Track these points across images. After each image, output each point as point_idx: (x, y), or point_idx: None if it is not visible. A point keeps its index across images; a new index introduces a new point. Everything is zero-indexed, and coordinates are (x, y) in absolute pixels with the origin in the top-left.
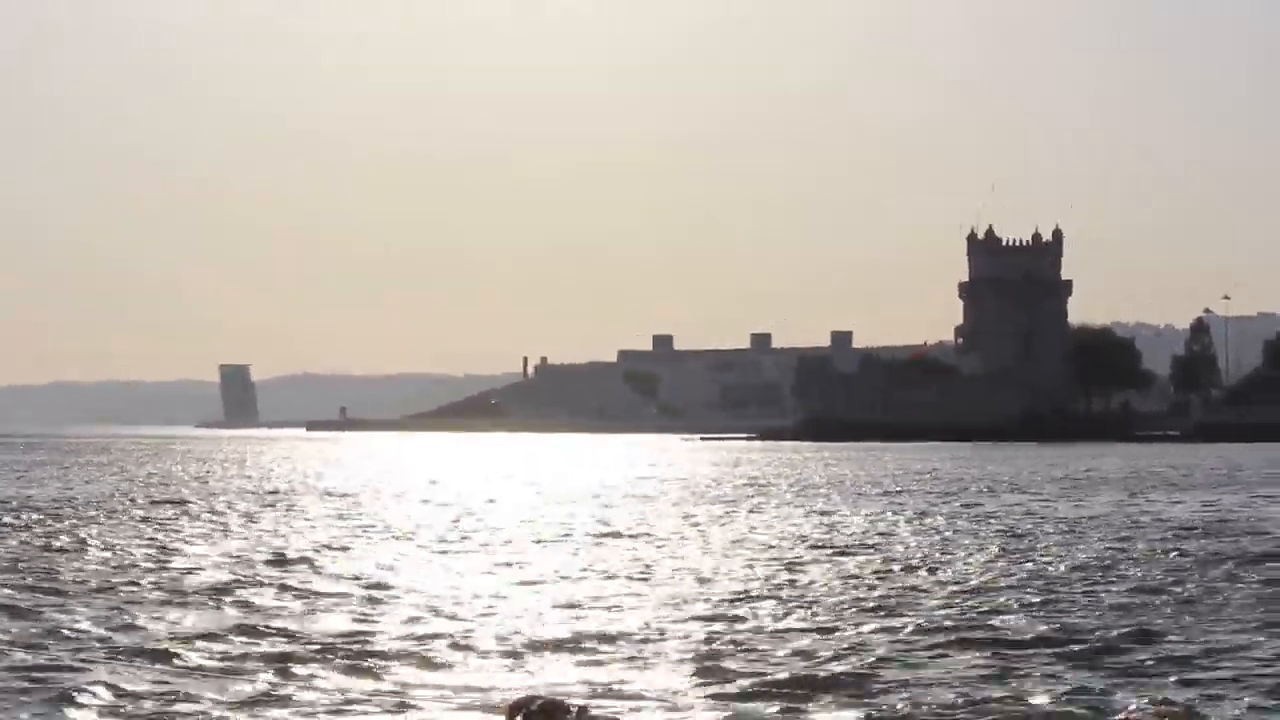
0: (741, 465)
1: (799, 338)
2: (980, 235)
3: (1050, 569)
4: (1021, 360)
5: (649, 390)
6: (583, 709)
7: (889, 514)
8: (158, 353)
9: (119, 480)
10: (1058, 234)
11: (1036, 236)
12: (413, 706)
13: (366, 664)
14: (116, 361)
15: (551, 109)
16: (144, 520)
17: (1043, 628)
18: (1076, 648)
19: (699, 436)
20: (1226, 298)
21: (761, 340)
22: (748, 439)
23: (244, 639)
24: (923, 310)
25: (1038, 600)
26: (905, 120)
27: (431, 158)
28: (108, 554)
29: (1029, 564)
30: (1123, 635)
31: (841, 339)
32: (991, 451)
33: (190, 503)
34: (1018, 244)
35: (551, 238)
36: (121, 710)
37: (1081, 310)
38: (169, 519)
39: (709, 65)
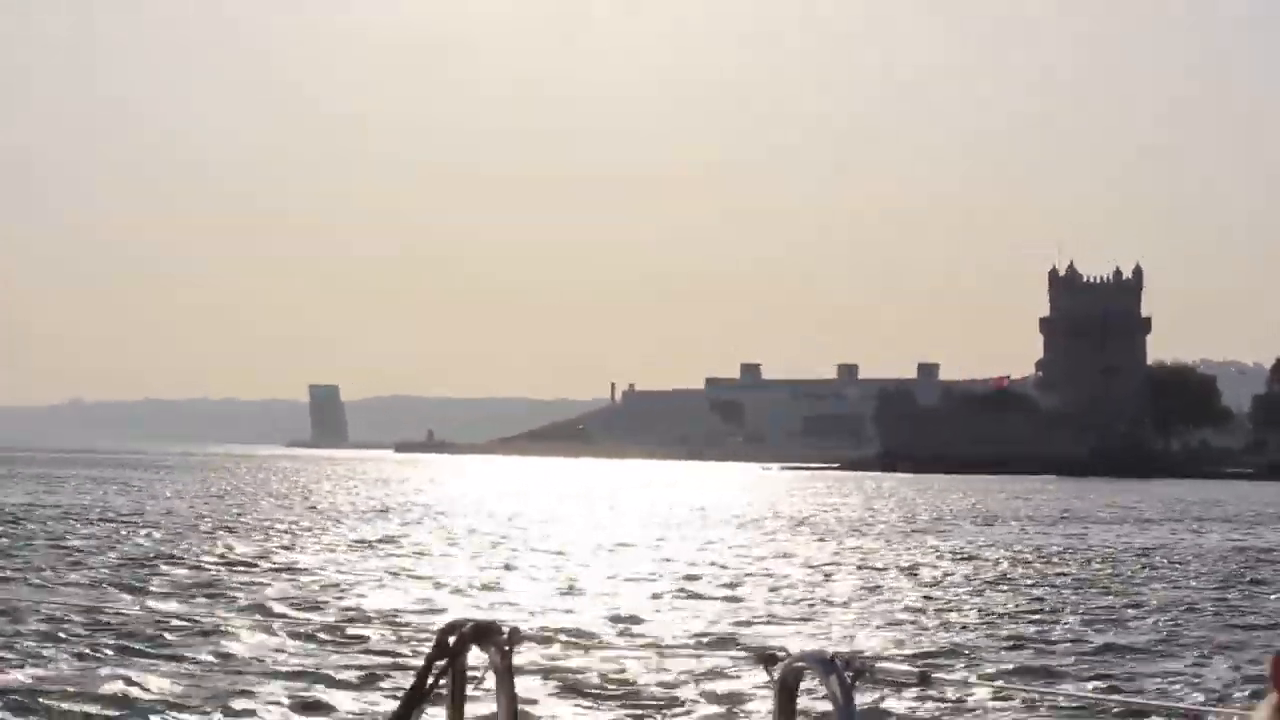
0: (833, 496)
1: (886, 369)
2: (1061, 272)
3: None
4: (1099, 396)
5: (734, 418)
6: (515, 630)
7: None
8: (248, 371)
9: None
10: (1138, 271)
11: (1117, 273)
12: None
13: None
14: (207, 380)
15: (642, 137)
16: None
17: None
18: None
19: (778, 466)
20: None
21: (848, 371)
22: (828, 469)
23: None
24: (1009, 344)
25: None
26: (993, 154)
27: (522, 184)
28: None
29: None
30: None
31: (927, 370)
32: (1056, 486)
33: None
34: (1098, 281)
35: (642, 265)
36: None
37: (1163, 347)
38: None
39: (800, 93)
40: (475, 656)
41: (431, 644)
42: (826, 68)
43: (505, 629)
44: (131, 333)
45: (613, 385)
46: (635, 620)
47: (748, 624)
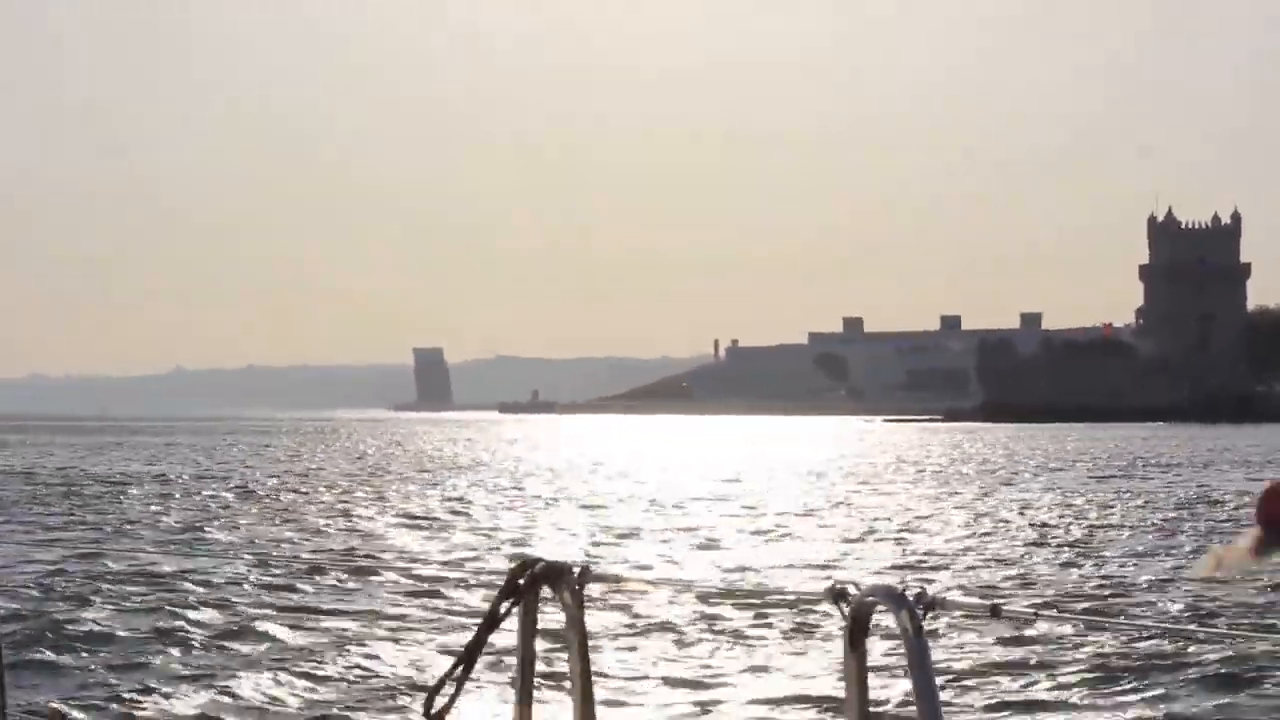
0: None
1: (989, 320)
2: (1160, 218)
3: None
4: (1198, 343)
5: (838, 373)
6: (585, 569)
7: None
8: (351, 337)
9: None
10: (1236, 217)
11: (1215, 219)
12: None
13: None
14: (309, 345)
15: (741, 96)
16: None
17: None
18: None
19: (880, 418)
20: None
21: (951, 322)
22: (929, 420)
23: None
24: (1112, 292)
25: None
26: (1091, 101)
27: (625, 144)
28: None
29: None
30: None
31: (1030, 320)
32: (1155, 432)
33: None
34: (1197, 226)
35: (744, 222)
36: None
37: (1264, 293)
38: None
39: (897, 47)
40: (547, 595)
41: (504, 582)
42: (921, 21)
43: (576, 568)
44: (232, 301)
45: (716, 342)
46: (711, 560)
47: (821, 567)
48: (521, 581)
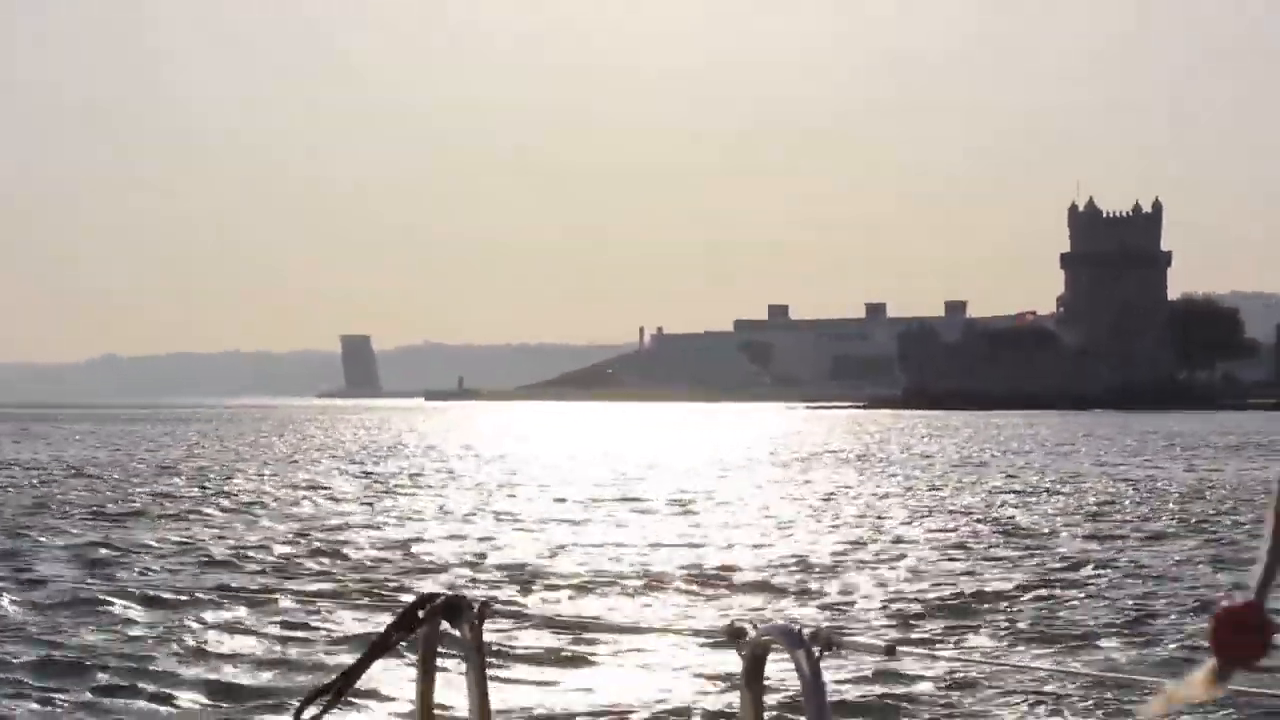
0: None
1: (914, 308)
2: (1081, 207)
3: None
4: (1120, 331)
5: (763, 360)
6: (485, 603)
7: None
8: (280, 324)
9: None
10: (1157, 205)
11: (1137, 208)
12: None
13: None
14: (238, 333)
15: (667, 87)
16: None
17: None
18: None
19: (803, 406)
20: None
21: (876, 310)
22: (850, 408)
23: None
24: (1035, 281)
25: None
26: (1014, 93)
27: (551, 128)
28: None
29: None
30: None
31: (954, 308)
32: (1069, 420)
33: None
34: (1118, 215)
35: (671, 209)
36: None
37: (1189, 281)
38: None
39: (829, 44)
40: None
41: (400, 613)
42: (840, 17)
43: (475, 603)
44: (163, 287)
45: (641, 329)
46: (609, 578)
47: (713, 580)
48: (421, 614)
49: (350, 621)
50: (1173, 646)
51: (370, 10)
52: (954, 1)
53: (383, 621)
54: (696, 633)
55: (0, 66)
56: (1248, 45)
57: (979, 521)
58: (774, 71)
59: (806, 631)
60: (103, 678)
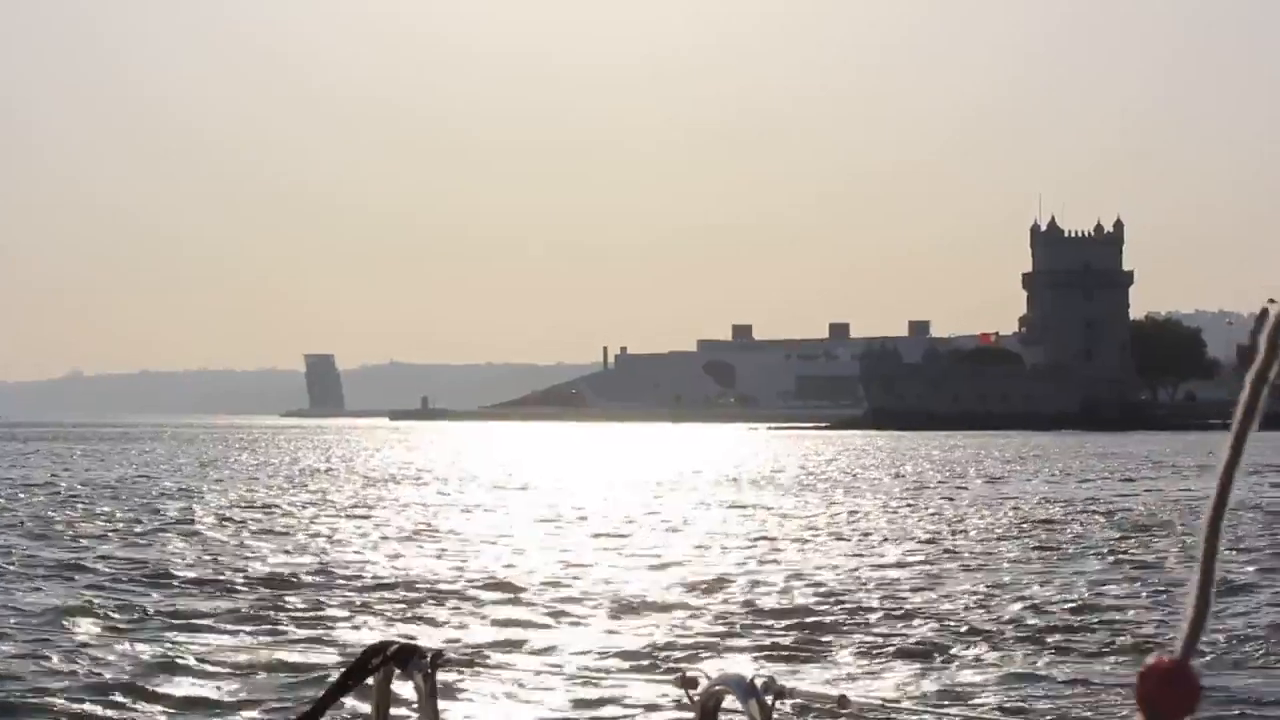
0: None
1: (878, 328)
2: (1043, 227)
3: None
4: (1082, 351)
5: (727, 379)
6: (439, 653)
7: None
8: (244, 342)
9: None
10: (1119, 225)
11: (1099, 228)
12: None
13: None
14: (202, 351)
15: (629, 101)
16: None
17: None
18: None
19: (766, 426)
20: None
21: (840, 330)
22: (815, 428)
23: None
24: (998, 300)
25: None
26: (975, 110)
27: (514, 148)
28: None
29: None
30: None
31: (918, 328)
32: (1036, 440)
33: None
34: (1080, 235)
35: (634, 229)
36: None
37: (1149, 300)
38: None
39: (781, 57)
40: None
41: (353, 661)
42: (809, 30)
43: (429, 653)
44: (128, 305)
45: (605, 349)
46: (566, 617)
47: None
48: (374, 662)
49: (296, 665)
50: (1111, 697)
51: (339, 26)
52: (911, 15)
53: (324, 664)
54: (650, 680)
55: None
56: (1211, 63)
57: (925, 547)
58: (739, 91)
59: (759, 681)
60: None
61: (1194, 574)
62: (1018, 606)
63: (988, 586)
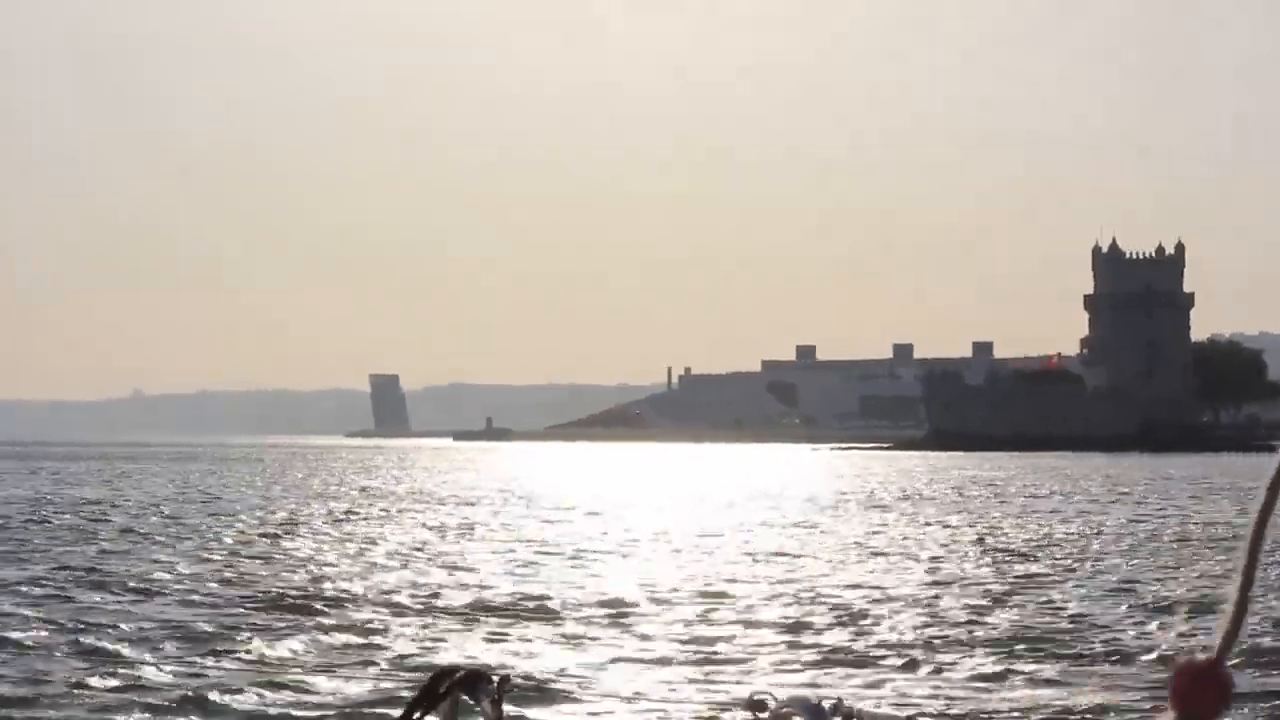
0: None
1: (941, 349)
2: (1104, 249)
3: None
4: (1143, 372)
5: (790, 400)
6: (505, 677)
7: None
8: (308, 362)
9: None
10: (1180, 247)
11: (1160, 249)
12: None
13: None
14: (266, 371)
15: (698, 122)
16: None
17: None
18: None
19: (829, 447)
20: None
21: (903, 351)
22: (877, 448)
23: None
24: (1061, 322)
25: None
26: (1038, 135)
27: (580, 169)
28: None
29: None
30: None
31: (981, 349)
32: (1096, 463)
33: None
34: (1141, 256)
35: (699, 250)
36: None
37: (1212, 323)
38: None
39: (853, 81)
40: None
41: (420, 689)
42: (872, 52)
43: (495, 677)
44: (191, 325)
45: (669, 369)
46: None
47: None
48: (442, 689)
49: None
50: (1136, 696)
51: (384, 60)
52: (974, 39)
53: (392, 693)
54: (717, 705)
55: (46, 108)
56: (1273, 88)
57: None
58: (812, 117)
59: (828, 703)
60: None
61: (1235, 576)
62: (1091, 631)
63: (1068, 613)
